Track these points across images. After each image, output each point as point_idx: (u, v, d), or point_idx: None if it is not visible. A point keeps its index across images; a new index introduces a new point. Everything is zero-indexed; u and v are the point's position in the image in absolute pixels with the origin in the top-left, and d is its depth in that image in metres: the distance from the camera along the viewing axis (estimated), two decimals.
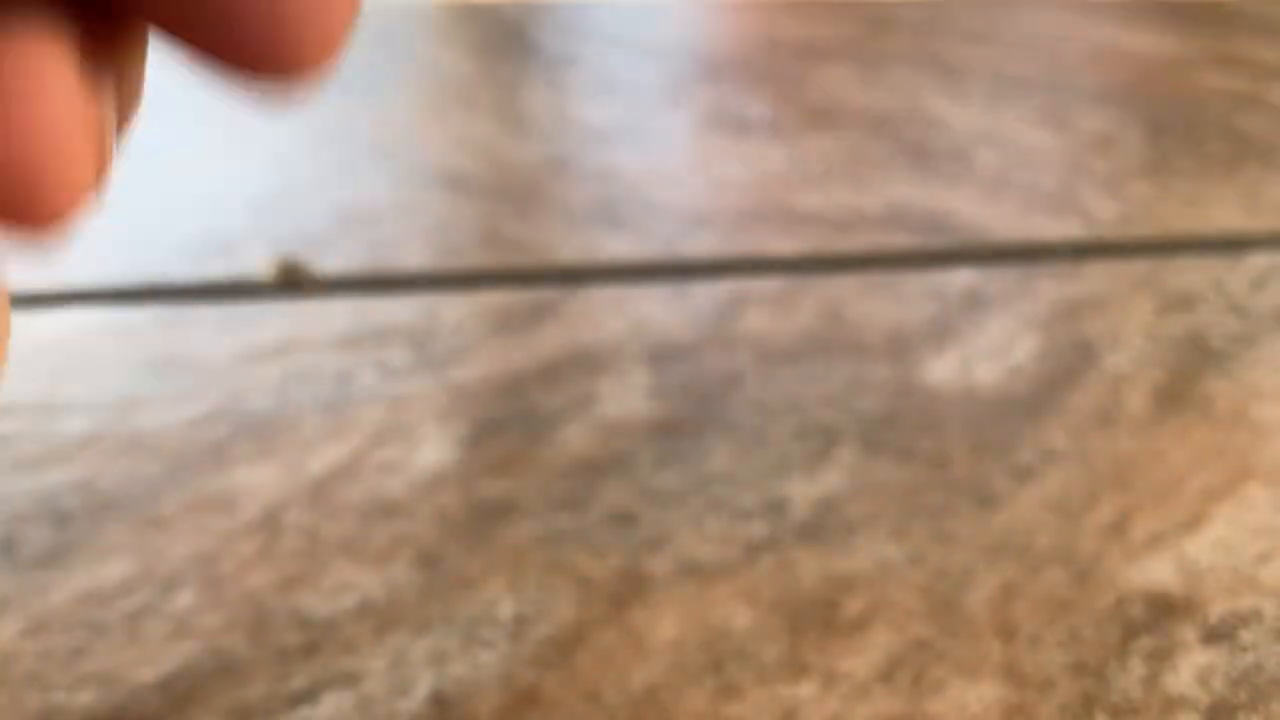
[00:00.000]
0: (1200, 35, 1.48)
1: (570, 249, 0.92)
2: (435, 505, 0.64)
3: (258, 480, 0.66)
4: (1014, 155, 1.10)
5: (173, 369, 0.77)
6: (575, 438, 0.70)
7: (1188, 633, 0.56)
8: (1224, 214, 0.98)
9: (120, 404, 0.73)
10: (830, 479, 0.66)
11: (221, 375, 0.76)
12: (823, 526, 0.63)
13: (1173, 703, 0.52)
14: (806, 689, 0.53)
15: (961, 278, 0.88)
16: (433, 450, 0.69)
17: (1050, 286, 0.87)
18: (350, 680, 0.53)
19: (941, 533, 0.62)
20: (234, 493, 0.65)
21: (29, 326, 0.82)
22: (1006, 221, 0.97)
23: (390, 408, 0.72)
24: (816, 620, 0.57)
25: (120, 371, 0.76)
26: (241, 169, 1.08)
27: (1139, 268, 0.89)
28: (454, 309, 0.84)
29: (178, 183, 1.05)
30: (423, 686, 0.53)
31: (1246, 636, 0.55)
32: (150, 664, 0.54)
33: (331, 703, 0.52)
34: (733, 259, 0.90)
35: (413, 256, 0.91)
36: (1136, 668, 0.54)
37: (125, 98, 0.20)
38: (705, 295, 0.85)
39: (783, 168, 1.07)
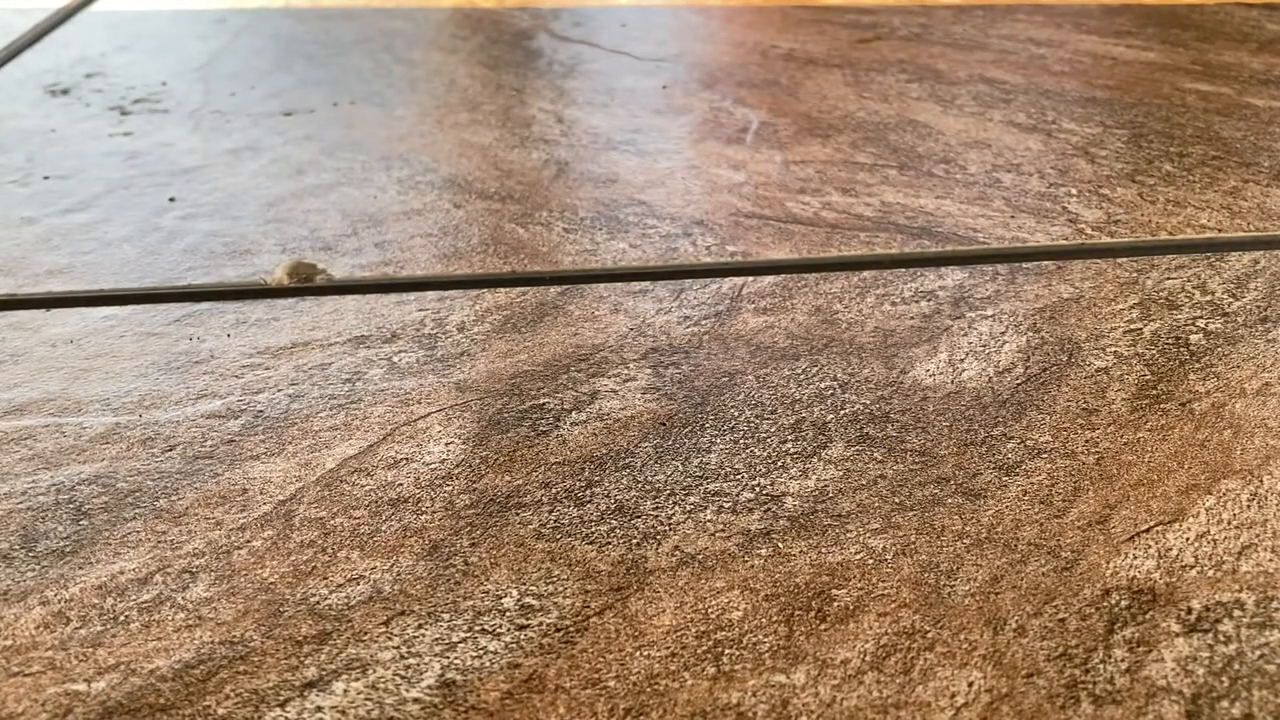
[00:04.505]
0: (1182, 43, 1.49)
1: (572, 251, 0.93)
2: (443, 499, 0.65)
3: (271, 475, 0.67)
4: (1001, 160, 1.11)
5: (189, 368, 0.78)
6: (578, 433, 0.71)
7: (1170, 623, 0.57)
8: (1205, 217, 0.99)
9: (138, 401, 0.74)
10: (823, 474, 0.67)
11: (236, 373, 0.77)
12: (816, 519, 0.64)
13: (1156, 691, 0.53)
14: (800, 676, 0.54)
15: (950, 279, 0.89)
16: (440, 446, 0.70)
17: (1036, 287, 0.88)
18: (361, 668, 0.54)
19: (930, 525, 0.63)
20: (247, 487, 0.66)
21: (50, 327, 0.83)
22: (994, 225, 0.98)
23: (399, 405, 0.74)
24: (810, 610, 0.58)
25: (138, 370, 0.78)
26: (254, 175, 1.09)
27: (1122, 269, 0.90)
28: (460, 309, 0.85)
29: (193, 188, 1.06)
30: (431, 674, 0.54)
31: (1228, 627, 0.57)
32: (166, 653, 0.55)
33: (342, 690, 0.53)
34: (729, 261, 0.92)
35: (420, 259, 0.92)
36: (1120, 657, 0.55)
37: None
38: (703, 296, 0.87)
39: (777, 173, 1.09)
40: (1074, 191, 1.05)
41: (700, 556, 0.61)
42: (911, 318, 0.83)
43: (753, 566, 0.60)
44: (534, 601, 0.58)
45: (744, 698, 0.53)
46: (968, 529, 0.63)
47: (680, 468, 0.68)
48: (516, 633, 0.56)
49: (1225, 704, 0.53)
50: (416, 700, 0.53)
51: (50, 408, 0.73)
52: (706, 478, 0.67)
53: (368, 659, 0.55)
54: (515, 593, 0.59)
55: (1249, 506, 0.65)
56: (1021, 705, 0.53)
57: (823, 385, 0.76)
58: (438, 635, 0.56)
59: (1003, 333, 0.81)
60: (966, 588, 0.59)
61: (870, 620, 0.57)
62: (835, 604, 0.58)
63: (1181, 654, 0.55)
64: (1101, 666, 0.54)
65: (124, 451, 0.69)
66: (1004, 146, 1.15)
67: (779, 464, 0.68)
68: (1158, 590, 0.59)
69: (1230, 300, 0.86)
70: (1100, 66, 1.40)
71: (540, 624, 0.57)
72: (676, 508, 0.64)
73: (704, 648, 0.55)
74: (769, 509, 0.64)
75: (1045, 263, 0.92)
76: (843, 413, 0.73)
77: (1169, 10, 1.65)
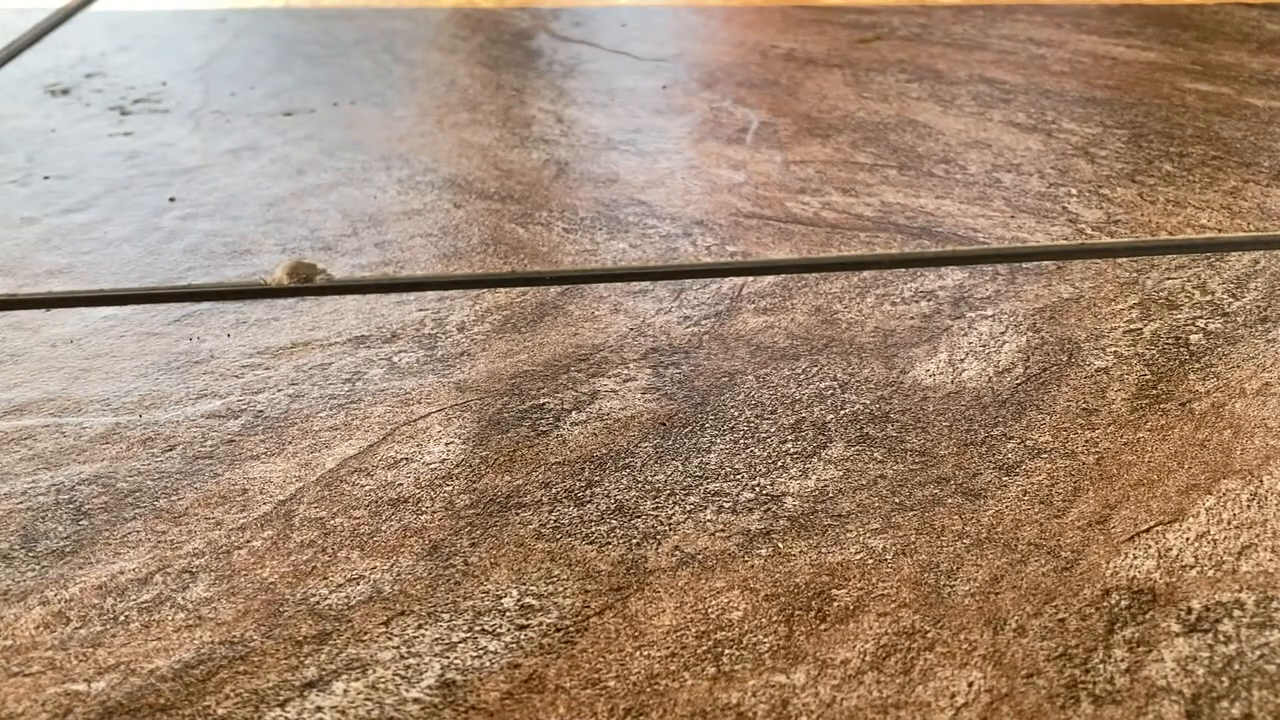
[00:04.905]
0: (1182, 43, 1.49)
1: (572, 251, 0.93)
2: (443, 499, 0.65)
3: (271, 475, 0.67)
4: (1001, 160, 1.12)
5: (189, 367, 0.78)
6: (578, 433, 0.71)
7: (1170, 623, 0.57)
8: (1205, 217, 0.99)
9: (138, 401, 0.74)
10: (823, 474, 0.67)
11: (236, 373, 0.77)
12: (816, 519, 0.64)
13: (1156, 691, 0.53)
14: (800, 676, 0.54)
15: (950, 279, 0.89)
16: (440, 446, 0.70)
17: (1036, 287, 0.88)
18: (361, 668, 0.54)
19: (930, 525, 0.63)
20: (247, 487, 0.66)
21: (50, 327, 0.83)
22: (994, 225, 0.98)
23: (399, 405, 0.74)
24: (810, 610, 0.58)
25: (138, 370, 0.78)
26: (254, 175, 1.09)
27: (1122, 269, 0.90)
28: (460, 309, 0.85)
29: (193, 188, 1.06)
30: (431, 674, 0.54)
31: (1228, 627, 0.57)
32: (166, 653, 0.55)
33: (342, 690, 0.53)
34: (729, 261, 0.92)
35: (420, 259, 0.92)
36: (1120, 657, 0.55)
37: None
38: (703, 296, 0.87)
39: (777, 173, 1.09)
40: (1074, 191, 1.05)
41: (700, 556, 0.61)
42: (911, 318, 0.83)
43: (753, 566, 0.60)
44: (534, 601, 0.58)
45: (744, 698, 0.53)
46: (968, 529, 0.63)
47: (680, 468, 0.68)
48: (516, 633, 0.56)
49: (1225, 704, 0.53)
50: (416, 700, 0.53)
51: (50, 408, 0.73)
52: (706, 478, 0.67)
53: (368, 659, 0.55)
54: (515, 593, 0.59)
55: (1249, 506, 0.65)
56: (1021, 705, 0.53)
57: (823, 385, 0.76)
58: (438, 635, 0.56)
59: (1003, 333, 0.82)
60: (966, 588, 0.59)
61: (870, 620, 0.57)
62: (835, 604, 0.58)
63: (1181, 654, 0.55)
64: (1101, 666, 0.54)
65: (124, 451, 0.69)
66: (1004, 146, 1.15)
67: (779, 464, 0.68)
68: (1158, 590, 0.59)
69: (1230, 300, 0.86)
70: (1100, 66, 1.40)
71: (540, 624, 0.57)
72: (676, 508, 0.64)
73: (704, 648, 0.55)
74: (769, 509, 0.64)
75: (1045, 263, 0.92)
76: (843, 413, 0.73)
77: (1169, 10, 1.65)
